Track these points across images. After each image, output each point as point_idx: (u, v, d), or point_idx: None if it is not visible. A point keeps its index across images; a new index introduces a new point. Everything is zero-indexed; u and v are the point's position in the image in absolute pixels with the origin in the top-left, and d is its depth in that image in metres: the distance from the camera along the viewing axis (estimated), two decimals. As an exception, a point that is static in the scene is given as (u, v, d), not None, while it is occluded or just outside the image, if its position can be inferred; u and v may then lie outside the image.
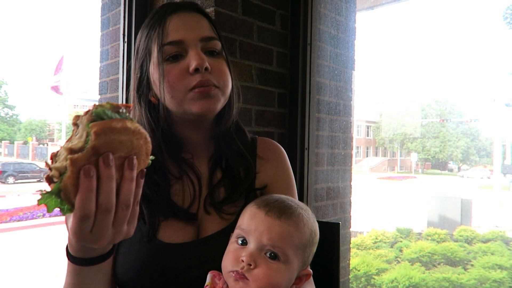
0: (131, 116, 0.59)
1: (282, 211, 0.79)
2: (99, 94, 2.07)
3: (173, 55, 0.85)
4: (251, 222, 0.79)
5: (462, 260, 6.98)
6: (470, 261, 6.91)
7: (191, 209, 0.89)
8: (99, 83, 2.07)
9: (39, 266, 7.61)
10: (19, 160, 30.91)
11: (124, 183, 0.57)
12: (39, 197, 0.54)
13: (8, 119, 49.39)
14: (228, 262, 0.78)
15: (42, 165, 26.18)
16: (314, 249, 0.84)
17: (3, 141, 45.89)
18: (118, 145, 0.55)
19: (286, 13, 1.77)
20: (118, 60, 1.84)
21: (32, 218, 11.57)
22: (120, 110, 0.58)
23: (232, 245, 0.80)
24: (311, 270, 0.83)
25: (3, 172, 21.54)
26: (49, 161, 0.56)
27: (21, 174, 22.32)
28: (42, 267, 7.55)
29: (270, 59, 1.71)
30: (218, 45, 0.89)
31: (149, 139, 0.60)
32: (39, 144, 40.04)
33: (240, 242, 0.79)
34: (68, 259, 0.69)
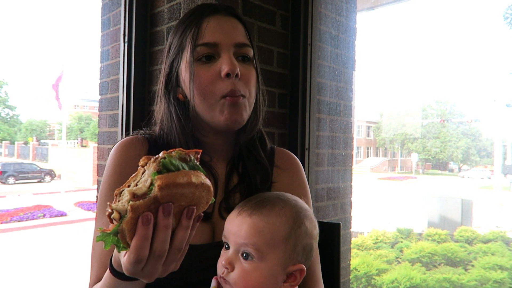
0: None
1: (253, 208, 0.78)
2: (99, 95, 2.07)
3: (206, 55, 0.86)
4: (227, 225, 0.79)
5: (462, 260, 6.97)
6: (471, 261, 6.91)
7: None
8: (100, 83, 2.07)
9: (39, 266, 7.61)
10: (20, 161, 30.95)
11: (179, 230, 0.60)
12: (98, 233, 0.57)
13: (8, 119, 49.42)
14: (217, 267, 0.79)
15: (42, 165, 26.21)
16: (306, 241, 0.79)
17: (3, 142, 45.92)
18: (180, 196, 0.57)
19: (286, 13, 1.77)
20: (119, 61, 1.84)
21: (33, 219, 11.58)
22: (188, 158, 0.59)
23: (222, 250, 0.81)
24: (303, 266, 0.78)
25: (3, 172, 21.56)
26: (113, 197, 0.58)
27: (22, 174, 22.34)
28: (42, 267, 7.55)
29: (271, 59, 1.71)
30: (250, 52, 0.89)
31: (212, 189, 0.61)
32: (39, 145, 40.05)
33: (226, 247, 0.79)
34: (110, 271, 0.68)
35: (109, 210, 0.57)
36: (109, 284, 0.70)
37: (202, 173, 0.59)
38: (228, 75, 0.83)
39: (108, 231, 0.57)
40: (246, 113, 0.88)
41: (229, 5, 0.95)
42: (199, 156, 0.61)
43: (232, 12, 0.91)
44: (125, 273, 0.61)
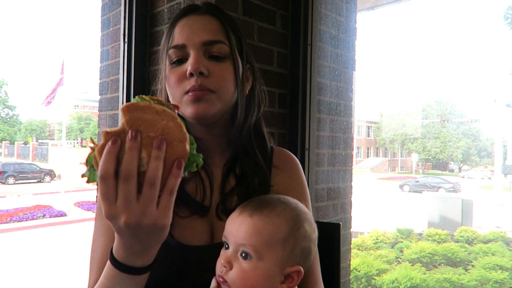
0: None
1: (254, 208, 0.78)
2: (99, 95, 2.07)
3: (178, 59, 0.87)
4: (227, 225, 0.80)
5: (462, 260, 6.98)
6: (471, 261, 6.91)
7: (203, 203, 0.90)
8: (100, 83, 2.07)
9: (39, 266, 7.61)
10: (19, 161, 30.97)
11: (150, 163, 0.59)
12: (84, 169, 0.61)
13: (8, 119, 49.44)
14: (216, 266, 0.79)
15: (42, 165, 26.21)
16: (304, 243, 0.79)
17: (3, 142, 45.93)
18: (144, 123, 0.59)
19: (286, 13, 1.77)
20: (119, 61, 1.84)
21: (32, 219, 11.59)
22: (161, 103, 0.61)
23: (222, 250, 0.81)
24: (301, 267, 0.78)
25: (3, 172, 21.56)
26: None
27: (21, 174, 22.33)
28: (42, 267, 7.55)
29: (271, 59, 1.71)
30: (223, 48, 0.87)
31: (180, 123, 0.61)
32: (39, 145, 40.05)
33: (226, 246, 0.79)
34: (111, 261, 0.68)
35: (90, 144, 0.61)
36: (108, 276, 0.69)
37: (168, 109, 0.60)
38: (192, 74, 0.83)
39: (86, 160, 0.61)
40: (215, 107, 0.86)
41: (208, 2, 0.94)
42: (177, 110, 0.63)
43: (207, 9, 0.90)
44: (102, 208, 0.60)
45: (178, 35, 0.87)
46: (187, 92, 0.85)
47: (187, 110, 0.85)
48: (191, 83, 0.84)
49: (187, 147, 0.61)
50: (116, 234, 0.65)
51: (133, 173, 0.58)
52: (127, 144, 0.58)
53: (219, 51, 0.87)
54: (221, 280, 0.76)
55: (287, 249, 0.76)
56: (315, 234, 0.83)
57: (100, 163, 0.58)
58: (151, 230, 0.61)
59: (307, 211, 0.84)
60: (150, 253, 0.67)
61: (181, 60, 0.87)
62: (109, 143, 0.58)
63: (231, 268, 0.75)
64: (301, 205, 0.84)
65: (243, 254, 0.75)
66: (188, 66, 0.84)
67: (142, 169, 0.59)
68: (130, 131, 0.58)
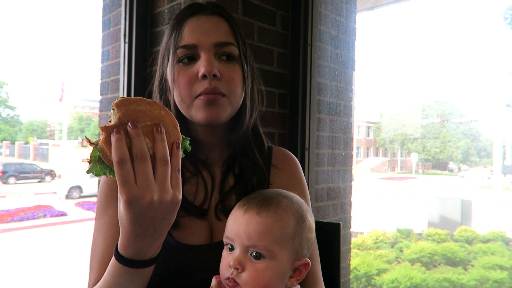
0: None
1: (260, 205, 0.77)
2: (100, 95, 2.07)
3: (187, 56, 0.86)
4: (232, 225, 0.78)
5: (462, 260, 6.98)
6: (471, 261, 6.91)
7: (202, 206, 0.90)
8: (100, 83, 2.07)
9: (39, 266, 7.61)
10: (20, 161, 30.92)
11: (156, 144, 0.63)
12: (87, 166, 0.63)
13: (9, 119, 49.41)
14: (221, 269, 0.78)
15: (43, 165, 26.20)
16: (309, 235, 0.79)
17: (4, 142, 45.90)
18: (140, 114, 0.63)
19: (286, 13, 1.78)
20: (119, 61, 1.84)
21: (33, 219, 11.59)
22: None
23: (224, 252, 0.79)
24: (308, 260, 0.79)
25: (4, 172, 21.53)
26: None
27: (22, 174, 22.30)
28: (42, 267, 7.56)
29: (271, 59, 1.72)
30: (233, 50, 0.87)
31: (170, 111, 0.66)
32: (40, 145, 40.03)
33: (229, 248, 0.78)
34: (116, 259, 0.68)
35: (87, 143, 0.63)
36: (114, 274, 0.69)
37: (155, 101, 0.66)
38: (204, 76, 0.83)
39: (91, 157, 0.62)
40: (226, 112, 0.86)
41: (215, 3, 0.94)
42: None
43: (216, 10, 0.90)
44: (122, 197, 0.61)
45: (189, 35, 0.86)
46: (198, 95, 0.84)
47: (199, 114, 0.85)
48: (203, 85, 0.83)
49: (180, 133, 0.67)
50: (127, 230, 0.64)
51: (147, 154, 0.62)
52: (131, 132, 0.61)
53: (229, 53, 0.87)
54: (231, 283, 0.74)
55: (296, 243, 0.77)
56: (314, 223, 0.84)
57: (114, 150, 0.60)
58: (169, 207, 0.64)
59: (304, 201, 0.85)
60: (159, 241, 0.68)
61: (190, 59, 0.86)
62: (113, 133, 0.61)
63: (243, 270, 0.73)
64: (299, 197, 0.84)
65: (254, 253, 0.74)
66: (201, 68, 0.83)
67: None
68: (130, 121, 0.62)
